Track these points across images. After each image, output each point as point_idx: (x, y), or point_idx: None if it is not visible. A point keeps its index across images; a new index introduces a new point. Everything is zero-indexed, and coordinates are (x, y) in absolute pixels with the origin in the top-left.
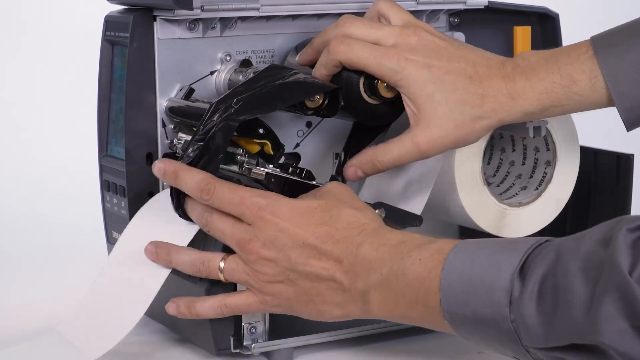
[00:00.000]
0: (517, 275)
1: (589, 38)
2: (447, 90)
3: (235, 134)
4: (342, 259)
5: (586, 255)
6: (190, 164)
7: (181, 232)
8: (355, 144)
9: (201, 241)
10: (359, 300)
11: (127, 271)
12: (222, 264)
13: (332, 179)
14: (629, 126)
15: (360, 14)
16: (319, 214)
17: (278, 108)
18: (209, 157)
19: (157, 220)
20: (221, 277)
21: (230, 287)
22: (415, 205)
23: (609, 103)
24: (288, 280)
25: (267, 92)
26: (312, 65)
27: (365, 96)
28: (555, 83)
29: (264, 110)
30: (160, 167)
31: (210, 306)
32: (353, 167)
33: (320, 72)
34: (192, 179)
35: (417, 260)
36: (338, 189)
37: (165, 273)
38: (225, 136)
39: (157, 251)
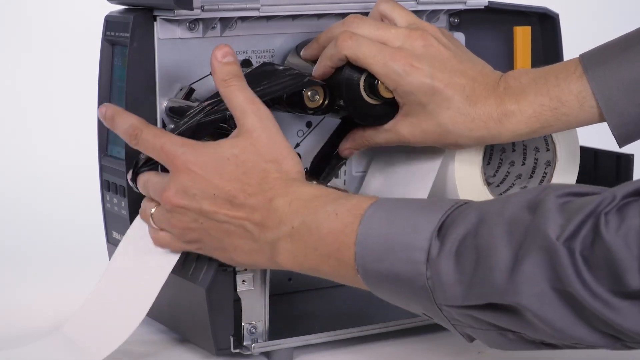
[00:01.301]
0: (436, 235)
1: (577, 56)
2: (441, 105)
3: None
4: (255, 211)
5: (511, 219)
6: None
7: None
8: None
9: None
10: (267, 251)
11: (129, 270)
12: (152, 210)
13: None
14: (621, 142)
15: (361, 14)
16: (233, 167)
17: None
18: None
19: None
20: (152, 223)
21: (230, 284)
22: None
23: (600, 120)
24: (201, 228)
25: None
26: (315, 60)
27: (365, 96)
28: (543, 105)
29: None
30: (101, 111)
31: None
32: (348, 149)
33: (325, 63)
34: (124, 123)
35: (334, 214)
36: (257, 134)
37: (167, 271)
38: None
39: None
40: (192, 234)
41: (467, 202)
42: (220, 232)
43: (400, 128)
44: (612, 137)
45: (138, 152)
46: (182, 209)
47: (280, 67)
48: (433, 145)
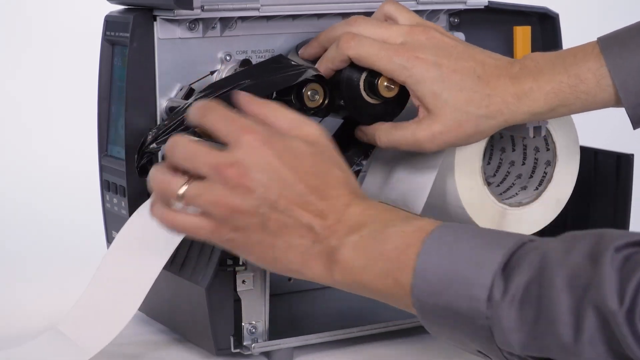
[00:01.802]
0: (500, 274)
1: (595, 39)
2: (454, 89)
3: None
4: (327, 214)
5: (573, 270)
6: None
7: None
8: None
9: (196, 241)
10: (324, 256)
11: (123, 267)
12: (184, 189)
13: None
14: (635, 124)
15: (361, 14)
16: (311, 162)
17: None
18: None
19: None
20: (178, 204)
21: (230, 284)
22: (415, 205)
23: (616, 102)
24: (259, 216)
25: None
26: (314, 60)
27: (365, 95)
28: (562, 82)
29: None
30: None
31: (159, 216)
32: (362, 132)
33: (326, 66)
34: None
35: (401, 232)
36: (325, 143)
37: (158, 268)
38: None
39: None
40: (242, 220)
41: (531, 240)
42: (279, 226)
43: (418, 128)
44: (612, 137)
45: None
46: (245, 189)
47: (287, 61)
48: (450, 146)
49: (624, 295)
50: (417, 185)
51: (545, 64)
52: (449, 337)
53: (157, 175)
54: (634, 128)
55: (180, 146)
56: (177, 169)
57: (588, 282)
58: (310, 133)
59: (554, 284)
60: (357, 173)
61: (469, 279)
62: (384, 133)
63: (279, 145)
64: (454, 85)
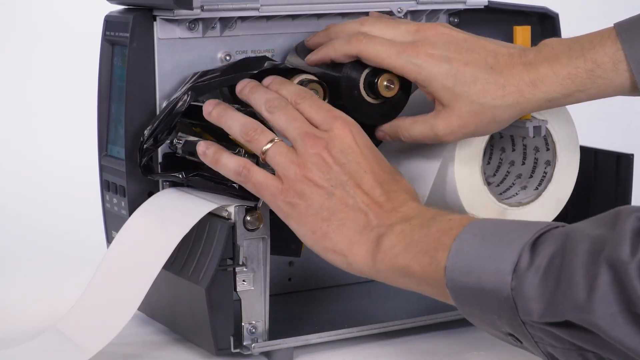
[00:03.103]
0: (528, 249)
1: (612, 25)
2: (467, 82)
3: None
4: (384, 205)
5: (594, 240)
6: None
7: (177, 230)
8: None
9: (196, 241)
10: (371, 244)
11: (122, 266)
12: (269, 145)
13: None
14: None
15: (360, 14)
16: (384, 162)
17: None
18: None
19: (155, 218)
20: (261, 156)
21: (230, 284)
22: None
23: (632, 88)
24: (328, 189)
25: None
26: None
27: (365, 95)
28: (578, 67)
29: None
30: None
31: (235, 163)
32: (382, 132)
33: (326, 53)
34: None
35: (447, 219)
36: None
37: (158, 267)
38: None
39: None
40: (309, 189)
41: (562, 225)
42: (340, 203)
43: (436, 122)
44: (612, 137)
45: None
46: (322, 162)
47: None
48: (469, 137)
49: (637, 248)
50: (417, 185)
51: (561, 49)
52: (481, 320)
53: (248, 121)
54: None
55: (283, 108)
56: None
57: (605, 245)
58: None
59: (575, 252)
60: None
61: (497, 256)
62: (405, 129)
63: (363, 138)
64: (466, 78)
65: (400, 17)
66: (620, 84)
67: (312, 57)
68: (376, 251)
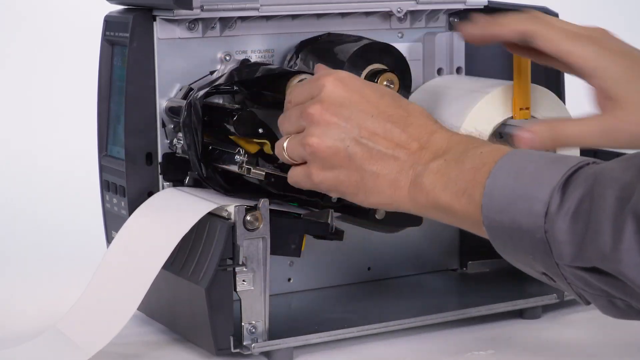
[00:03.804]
0: (559, 190)
1: None
2: None
3: (235, 133)
4: (411, 142)
5: (623, 186)
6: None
7: (176, 230)
8: None
9: (196, 241)
10: (411, 184)
11: (122, 266)
12: (285, 143)
13: None
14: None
15: (360, 14)
16: (391, 97)
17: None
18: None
19: (155, 218)
20: (285, 156)
21: (230, 284)
22: None
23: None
24: (343, 151)
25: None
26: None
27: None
28: None
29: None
30: None
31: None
32: (530, 132)
33: (493, 29)
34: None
35: (479, 152)
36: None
37: (157, 267)
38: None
39: None
40: (333, 159)
41: (594, 162)
42: (367, 157)
43: (606, 115)
44: None
45: (138, 150)
46: (326, 124)
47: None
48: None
49: None
50: None
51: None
52: (516, 259)
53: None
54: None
55: (283, 115)
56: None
57: (633, 193)
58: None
59: (604, 198)
60: None
61: (530, 195)
62: (563, 129)
63: (356, 81)
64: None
65: (400, 17)
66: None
67: (474, 30)
68: (417, 191)
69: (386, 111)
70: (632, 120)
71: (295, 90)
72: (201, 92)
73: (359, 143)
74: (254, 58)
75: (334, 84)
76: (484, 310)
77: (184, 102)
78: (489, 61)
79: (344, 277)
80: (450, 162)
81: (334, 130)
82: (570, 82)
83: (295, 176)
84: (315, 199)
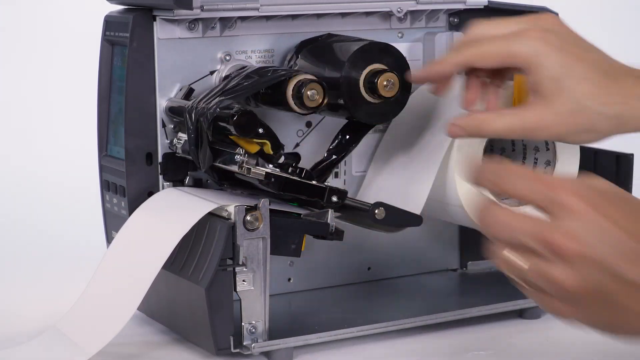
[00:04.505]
0: None
1: None
2: (576, 77)
3: (234, 133)
4: None
5: None
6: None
7: (176, 230)
8: (341, 146)
9: (196, 241)
10: None
11: (122, 266)
12: (525, 265)
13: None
14: None
15: (360, 14)
16: (627, 211)
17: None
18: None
19: (154, 218)
20: (524, 284)
21: (230, 284)
22: (415, 205)
23: None
24: (597, 285)
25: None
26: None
27: (365, 95)
28: None
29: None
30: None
31: None
32: (456, 126)
33: (435, 67)
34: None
35: None
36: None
37: (157, 267)
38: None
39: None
40: (579, 298)
41: None
42: (619, 292)
43: (527, 113)
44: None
45: (138, 150)
46: (578, 258)
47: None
48: (560, 140)
49: None
50: (417, 185)
51: None
52: None
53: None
54: None
55: (491, 216)
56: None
57: None
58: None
59: None
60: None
61: None
62: (488, 123)
63: (595, 194)
64: (577, 73)
65: (400, 17)
66: None
67: (419, 74)
68: None
69: (629, 234)
70: (552, 120)
71: (515, 182)
72: (213, 104)
73: (608, 273)
74: (253, 58)
75: (569, 205)
76: (484, 310)
77: (184, 102)
78: None
79: (344, 277)
80: None
81: (583, 264)
82: None
83: (536, 299)
84: (316, 199)
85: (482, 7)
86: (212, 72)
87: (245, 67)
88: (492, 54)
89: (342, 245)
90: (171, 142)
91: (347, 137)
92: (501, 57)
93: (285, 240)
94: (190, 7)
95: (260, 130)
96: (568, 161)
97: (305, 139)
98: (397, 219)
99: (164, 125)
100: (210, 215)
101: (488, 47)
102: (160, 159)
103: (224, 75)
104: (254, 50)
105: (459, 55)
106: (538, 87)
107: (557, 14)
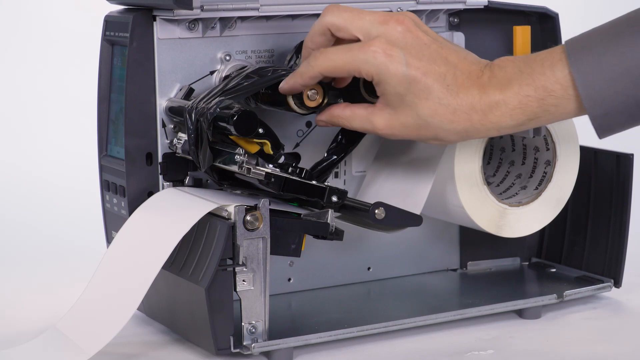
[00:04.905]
0: None
1: (564, 42)
2: (420, 95)
3: (234, 133)
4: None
5: None
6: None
7: (176, 230)
8: (341, 146)
9: (196, 241)
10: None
11: (122, 266)
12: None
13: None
14: (601, 134)
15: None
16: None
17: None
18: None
19: (154, 218)
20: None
21: (230, 284)
22: (415, 205)
23: (584, 111)
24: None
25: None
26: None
27: (365, 95)
28: (529, 96)
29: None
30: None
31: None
32: (322, 121)
33: (295, 80)
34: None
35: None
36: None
37: (157, 267)
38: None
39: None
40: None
41: None
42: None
43: (376, 119)
44: (612, 137)
45: (138, 150)
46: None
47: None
48: (412, 139)
49: None
50: (417, 185)
51: (513, 74)
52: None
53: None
54: (600, 138)
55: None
56: None
57: None
58: None
59: None
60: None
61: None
62: (345, 120)
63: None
64: (420, 90)
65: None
66: (573, 109)
67: (284, 86)
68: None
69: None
70: (399, 129)
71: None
72: (213, 104)
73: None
74: (253, 58)
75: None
76: (484, 310)
77: (184, 102)
78: (489, 59)
79: (344, 277)
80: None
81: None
82: None
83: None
84: (316, 199)
85: (482, 7)
86: (212, 72)
87: (245, 67)
88: (340, 67)
89: (342, 245)
90: (171, 142)
91: (347, 137)
92: (348, 71)
93: (285, 240)
94: (190, 7)
95: (260, 130)
96: (568, 161)
97: (305, 139)
98: (397, 219)
99: (164, 125)
100: (210, 215)
101: (335, 59)
102: (160, 159)
103: (224, 75)
104: (253, 50)
105: (312, 69)
106: (385, 99)
107: (557, 14)
